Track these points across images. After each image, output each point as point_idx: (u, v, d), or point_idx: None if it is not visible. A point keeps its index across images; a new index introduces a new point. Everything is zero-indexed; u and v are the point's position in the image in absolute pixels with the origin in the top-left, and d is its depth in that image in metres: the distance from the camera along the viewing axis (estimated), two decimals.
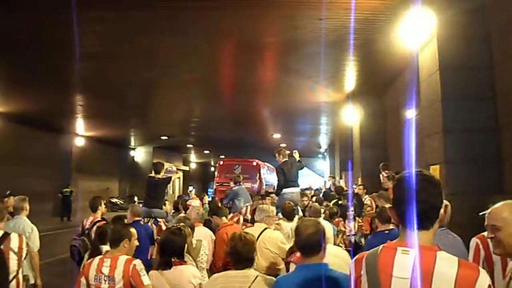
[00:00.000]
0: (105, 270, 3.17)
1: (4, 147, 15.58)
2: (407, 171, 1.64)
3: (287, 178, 7.61)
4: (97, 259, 3.30)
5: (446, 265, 1.48)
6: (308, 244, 2.47)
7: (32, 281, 5.32)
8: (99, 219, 5.58)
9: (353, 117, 12.06)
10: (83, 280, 3.25)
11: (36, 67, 9.66)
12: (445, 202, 1.61)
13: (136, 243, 3.52)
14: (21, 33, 7.65)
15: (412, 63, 6.55)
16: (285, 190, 7.55)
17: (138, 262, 3.21)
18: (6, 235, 3.80)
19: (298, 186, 7.91)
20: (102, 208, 5.81)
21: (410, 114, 8.73)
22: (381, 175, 9.16)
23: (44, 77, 10.52)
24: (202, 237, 4.60)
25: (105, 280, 3.16)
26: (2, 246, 3.65)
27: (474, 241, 2.93)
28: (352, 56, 8.50)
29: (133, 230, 3.50)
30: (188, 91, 12.08)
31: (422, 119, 6.57)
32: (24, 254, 3.89)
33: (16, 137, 16.35)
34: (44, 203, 18.23)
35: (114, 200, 23.18)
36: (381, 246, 1.63)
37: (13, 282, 3.74)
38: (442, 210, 1.58)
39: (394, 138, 10.48)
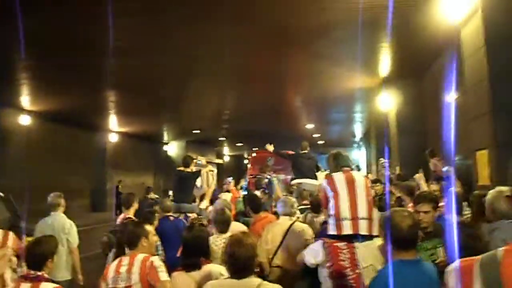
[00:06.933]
0: (123, 269, 3.06)
1: (41, 145, 15.91)
2: None
3: (298, 168, 7.89)
4: (116, 260, 3.20)
5: None
6: (408, 237, 2.22)
7: (69, 277, 5.29)
8: (130, 216, 5.45)
9: (389, 103, 11.52)
10: (103, 285, 3.13)
11: (68, 65, 9.68)
12: None
13: (155, 239, 3.38)
14: (52, 31, 7.64)
15: (454, 40, 6.07)
16: (299, 181, 7.53)
17: (155, 259, 3.07)
18: None
19: (309, 177, 7.67)
20: (135, 205, 5.68)
21: (452, 96, 8.20)
22: (430, 163, 8.61)
23: (76, 74, 10.58)
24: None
25: (122, 280, 3.02)
26: None
27: None
28: (388, 37, 8.02)
29: (148, 227, 3.38)
30: (218, 82, 11.90)
31: (466, 101, 6.11)
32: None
33: (51, 135, 16.67)
34: (81, 198, 18.60)
35: (149, 196, 23.36)
36: (501, 250, 1.25)
37: None
38: None
39: (434, 123, 9.93)
